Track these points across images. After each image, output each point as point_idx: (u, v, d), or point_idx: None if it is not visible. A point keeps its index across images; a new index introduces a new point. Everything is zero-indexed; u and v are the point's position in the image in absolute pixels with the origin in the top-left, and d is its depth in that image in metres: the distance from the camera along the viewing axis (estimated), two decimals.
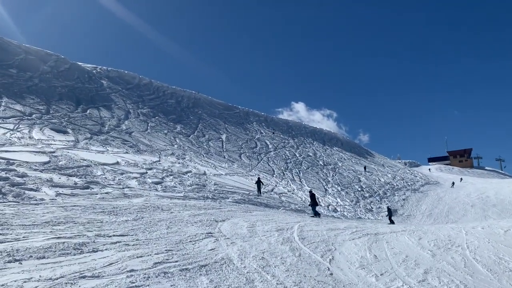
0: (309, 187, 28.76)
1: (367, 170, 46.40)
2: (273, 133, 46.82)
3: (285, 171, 32.89)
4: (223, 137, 37.31)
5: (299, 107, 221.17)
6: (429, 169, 73.41)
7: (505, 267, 7.54)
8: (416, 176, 52.00)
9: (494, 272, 7.28)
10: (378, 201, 32.44)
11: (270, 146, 40.43)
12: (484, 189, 41.82)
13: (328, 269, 6.75)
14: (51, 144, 17.93)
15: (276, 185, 25.03)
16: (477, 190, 41.65)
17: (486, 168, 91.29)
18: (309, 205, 18.93)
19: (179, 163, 22.22)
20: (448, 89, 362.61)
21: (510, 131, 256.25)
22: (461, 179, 54.64)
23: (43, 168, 13.12)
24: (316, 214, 17.33)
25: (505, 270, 7.37)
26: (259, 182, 21.48)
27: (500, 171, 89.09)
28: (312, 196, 18.24)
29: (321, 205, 24.05)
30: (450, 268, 7.39)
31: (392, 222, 22.72)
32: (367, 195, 33.37)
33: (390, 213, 23.97)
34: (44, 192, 10.12)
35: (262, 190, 21.52)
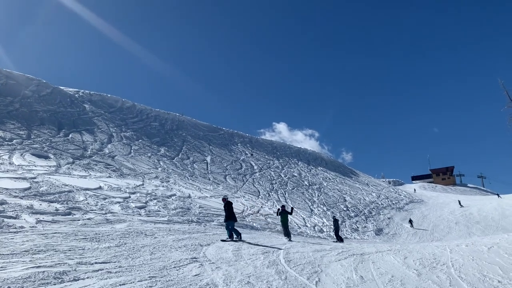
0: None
1: (462, 204, 44.49)
2: (252, 154, 46.58)
3: (271, 192, 32.80)
4: (208, 159, 37.16)
5: (281, 127, 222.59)
6: (414, 190, 72.18)
7: (489, 285, 7.59)
8: (401, 195, 52.45)
9: None
10: (364, 220, 32.53)
11: (255, 167, 40.40)
12: (467, 206, 42.43)
13: None
14: (32, 169, 17.59)
15: (262, 207, 24.90)
16: (461, 208, 42.22)
17: (469, 185, 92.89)
18: (224, 221, 12.21)
19: (163, 186, 21.98)
20: (426, 106, 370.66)
21: (490, 147, 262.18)
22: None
23: (23, 194, 12.83)
24: (235, 233, 11.61)
25: None
26: (285, 215, 14.33)
27: (482, 188, 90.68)
28: (228, 205, 12.16)
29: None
30: (436, 287, 7.41)
31: (339, 239, 18.80)
32: (352, 214, 33.44)
33: (337, 226, 19.26)
34: (24, 219, 9.88)
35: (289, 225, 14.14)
